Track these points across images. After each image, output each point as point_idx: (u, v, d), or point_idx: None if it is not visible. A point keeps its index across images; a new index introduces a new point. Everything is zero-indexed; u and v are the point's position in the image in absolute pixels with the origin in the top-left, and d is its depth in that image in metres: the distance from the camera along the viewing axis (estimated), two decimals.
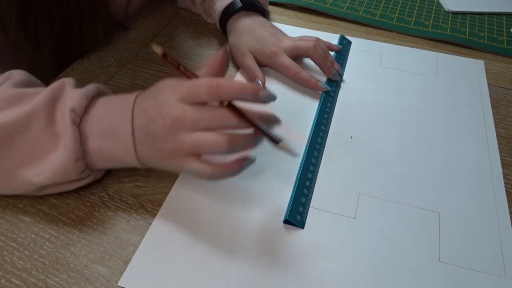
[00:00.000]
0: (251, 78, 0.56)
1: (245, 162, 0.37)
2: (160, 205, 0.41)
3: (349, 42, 0.66)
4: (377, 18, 0.74)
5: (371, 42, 0.67)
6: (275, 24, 0.64)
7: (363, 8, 0.76)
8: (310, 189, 0.43)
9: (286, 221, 0.40)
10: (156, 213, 0.41)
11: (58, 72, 0.57)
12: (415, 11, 0.77)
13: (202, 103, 0.35)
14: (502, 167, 0.47)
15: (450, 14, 0.76)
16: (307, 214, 0.41)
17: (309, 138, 0.49)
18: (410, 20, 0.74)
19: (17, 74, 0.42)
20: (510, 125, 0.53)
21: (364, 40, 0.68)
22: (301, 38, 0.58)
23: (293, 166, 0.46)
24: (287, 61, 0.56)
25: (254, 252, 0.38)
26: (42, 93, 0.38)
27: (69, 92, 0.38)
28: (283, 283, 0.36)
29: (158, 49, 0.34)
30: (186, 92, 0.35)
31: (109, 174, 0.44)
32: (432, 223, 0.41)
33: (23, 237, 0.38)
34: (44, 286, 0.35)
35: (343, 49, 0.64)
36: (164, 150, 0.36)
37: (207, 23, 0.70)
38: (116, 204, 0.41)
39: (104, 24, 0.59)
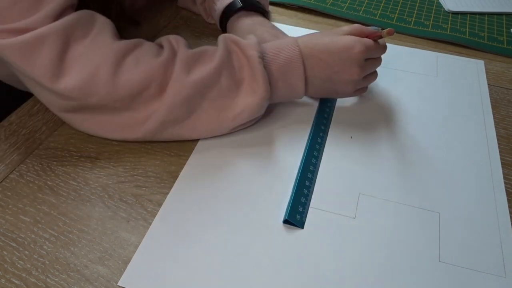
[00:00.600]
0: None
1: None
2: (160, 205, 0.41)
3: None
4: (377, 18, 0.74)
5: None
6: (275, 24, 0.63)
7: (363, 8, 0.76)
8: (310, 189, 0.43)
9: (285, 221, 0.40)
10: (156, 213, 0.41)
11: None
12: (415, 11, 0.77)
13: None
14: (502, 167, 0.47)
15: (450, 14, 0.76)
16: (307, 214, 0.41)
17: (309, 138, 0.49)
18: (410, 20, 0.74)
19: (176, 39, 0.47)
20: (510, 125, 0.53)
21: None
22: None
23: (293, 166, 0.46)
24: None
25: (253, 251, 0.38)
26: (219, 49, 0.46)
27: (244, 44, 0.46)
28: (283, 283, 0.36)
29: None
30: (371, 50, 0.48)
31: (109, 174, 0.44)
32: (432, 223, 0.41)
33: (23, 237, 0.38)
34: (44, 286, 0.35)
35: None
36: (339, 92, 0.51)
37: (207, 23, 0.70)
38: (116, 204, 0.41)
39: (118, 18, 0.59)
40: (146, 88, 0.42)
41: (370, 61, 0.49)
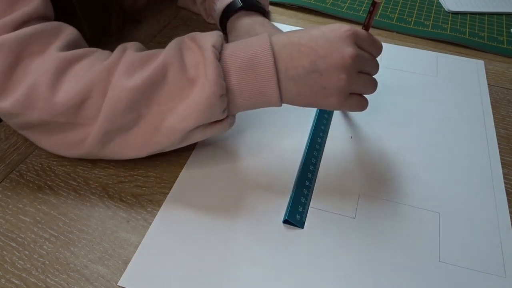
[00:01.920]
0: None
1: None
2: (160, 205, 0.41)
3: None
4: (377, 18, 0.74)
5: None
6: (275, 24, 0.64)
7: (363, 8, 0.76)
8: (310, 189, 0.43)
9: (285, 221, 0.40)
10: (156, 213, 0.41)
11: None
12: (415, 11, 0.77)
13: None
14: (502, 167, 0.47)
15: (450, 14, 0.76)
16: (306, 214, 0.41)
17: (309, 138, 0.49)
18: (410, 20, 0.74)
19: (131, 43, 0.43)
20: (510, 125, 0.53)
21: None
22: None
23: (293, 166, 0.46)
24: None
25: (253, 252, 0.38)
26: (168, 46, 0.40)
27: (201, 36, 0.40)
28: (283, 283, 0.36)
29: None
30: (363, 38, 0.39)
31: (109, 174, 0.44)
32: (432, 223, 0.41)
33: (23, 237, 0.38)
34: (44, 286, 0.35)
35: None
36: (329, 88, 0.39)
37: (207, 23, 0.70)
38: (116, 204, 0.41)
39: (118, 18, 0.58)
40: (87, 97, 0.38)
41: (366, 53, 0.40)
